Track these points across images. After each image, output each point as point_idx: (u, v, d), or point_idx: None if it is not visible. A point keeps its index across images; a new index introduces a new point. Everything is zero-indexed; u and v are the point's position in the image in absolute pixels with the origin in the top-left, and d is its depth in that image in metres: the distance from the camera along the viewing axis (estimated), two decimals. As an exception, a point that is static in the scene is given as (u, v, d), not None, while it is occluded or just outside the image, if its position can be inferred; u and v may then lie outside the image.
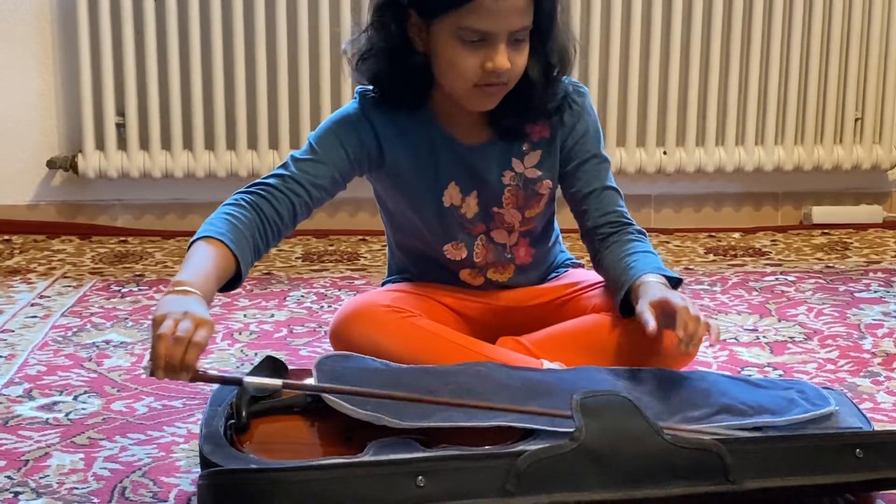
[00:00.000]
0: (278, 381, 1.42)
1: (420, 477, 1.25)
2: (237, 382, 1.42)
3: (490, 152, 1.72)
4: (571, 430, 1.33)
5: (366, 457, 1.34)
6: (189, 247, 1.55)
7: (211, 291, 1.48)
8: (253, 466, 1.28)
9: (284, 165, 1.66)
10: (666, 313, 1.56)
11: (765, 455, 1.34)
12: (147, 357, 1.33)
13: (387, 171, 1.72)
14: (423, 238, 1.78)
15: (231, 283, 1.56)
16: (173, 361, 1.34)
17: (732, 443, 1.34)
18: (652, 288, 1.60)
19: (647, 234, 1.76)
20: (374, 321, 1.66)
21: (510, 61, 1.58)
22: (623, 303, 1.66)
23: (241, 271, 1.56)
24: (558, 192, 1.81)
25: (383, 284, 1.90)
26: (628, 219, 1.76)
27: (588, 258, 1.82)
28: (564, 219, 1.87)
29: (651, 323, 1.53)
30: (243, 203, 1.60)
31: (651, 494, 1.29)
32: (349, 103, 1.73)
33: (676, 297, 1.57)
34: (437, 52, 1.60)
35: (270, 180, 1.64)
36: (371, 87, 1.69)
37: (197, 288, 1.43)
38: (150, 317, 1.39)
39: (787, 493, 1.34)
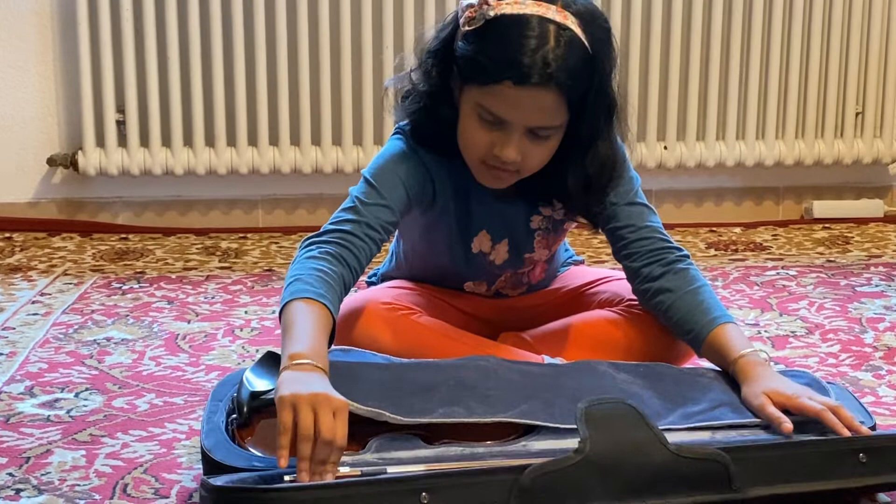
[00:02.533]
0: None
1: (424, 493, 1.24)
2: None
3: (519, 204, 1.69)
4: (573, 426, 1.33)
5: (368, 454, 1.34)
6: (283, 306, 1.47)
7: (326, 360, 1.40)
8: (254, 485, 1.27)
9: (354, 210, 1.59)
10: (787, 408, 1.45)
11: (768, 462, 1.34)
12: (279, 450, 1.27)
13: (433, 212, 1.67)
14: (443, 272, 1.77)
15: None
16: (323, 466, 1.28)
17: (736, 451, 1.34)
18: (759, 373, 1.51)
19: (686, 257, 1.69)
20: (374, 319, 1.66)
21: (522, 154, 1.52)
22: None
23: (333, 339, 1.49)
24: None
25: (377, 278, 1.89)
26: (668, 242, 1.68)
27: (584, 253, 1.82)
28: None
29: (787, 423, 1.41)
30: (329, 257, 1.53)
31: None
32: (393, 138, 1.67)
33: (793, 390, 1.47)
34: (460, 116, 1.57)
35: (347, 227, 1.57)
36: (408, 127, 1.65)
37: (314, 359, 1.36)
38: (277, 398, 1.32)
39: (791, 499, 1.34)
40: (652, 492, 1.30)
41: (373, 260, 1.61)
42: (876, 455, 1.36)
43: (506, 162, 1.53)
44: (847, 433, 1.39)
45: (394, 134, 1.68)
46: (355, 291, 1.77)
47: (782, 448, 1.36)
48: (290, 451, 1.28)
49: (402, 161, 1.62)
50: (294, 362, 1.35)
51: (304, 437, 1.27)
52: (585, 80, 1.51)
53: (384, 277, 1.86)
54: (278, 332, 2.08)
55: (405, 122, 1.65)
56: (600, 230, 1.73)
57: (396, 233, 1.83)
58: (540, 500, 1.27)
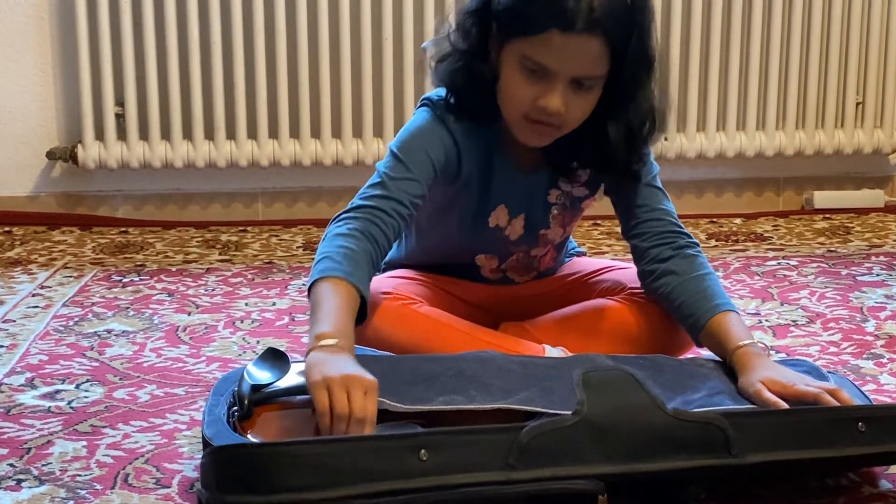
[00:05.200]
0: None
1: (423, 451, 1.24)
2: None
3: (541, 178, 1.69)
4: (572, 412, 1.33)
5: None
6: (311, 285, 1.48)
7: (352, 339, 1.43)
8: (256, 442, 1.28)
9: (381, 185, 1.58)
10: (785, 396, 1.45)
11: (767, 429, 1.33)
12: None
13: (456, 184, 1.66)
14: (453, 245, 1.76)
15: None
16: None
17: (735, 417, 1.34)
18: (756, 363, 1.51)
19: (696, 244, 1.70)
20: (375, 309, 1.65)
21: (566, 105, 1.52)
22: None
23: (364, 316, 1.51)
24: None
25: (384, 264, 1.89)
26: (679, 227, 1.70)
27: (584, 244, 1.81)
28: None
29: (783, 405, 1.42)
30: (356, 234, 1.53)
31: (653, 468, 1.29)
32: (419, 110, 1.66)
33: (789, 378, 1.47)
34: (501, 73, 1.57)
35: (375, 202, 1.56)
36: (435, 97, 1.65)
37: (340, 339, 1.38)
38: (308, 379, 1.35)
39: (789, 466, 1.34)
40: (650, 455, 1.29)
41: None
42: (875, 424, 1.36)
43: (550, 113, 1.53)
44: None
45: (420, 105, 1.67)
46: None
47: (781, 415, 1.37)
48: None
49: (428, 133, 1.62)
50: (320, 343, 1.38)
51: (339, 417, 1.29)
52: (627, 28, 1.52)
53: (389, 263, 1.85)
54: (279, 323, 2.10)
55: (440, 86, 1.64)
56: (613, 207, 1.72)
57: None
58: (538, 459, 1.26)
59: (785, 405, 1.40)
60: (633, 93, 1.56)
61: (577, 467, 1.27)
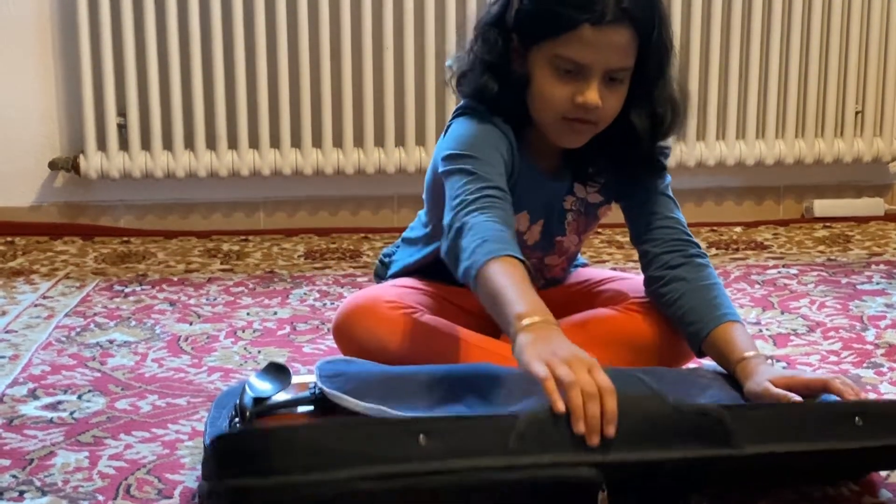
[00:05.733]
0: None
1: (422, 435, 1.24)
2: None
3: (561, 183, 1.71)
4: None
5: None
6: (480, 268, 1.41)
7: (550, 314, 1.37)
8: (255, 428, 1.28)
9: (477, 177, 1.53)
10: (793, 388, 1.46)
11: (765, 421, 1.33)
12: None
13: (508, 183, 1.61)
14: None
15: None
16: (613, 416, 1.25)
17: (734, 409, 1.34)
18: (762, 370, 1.52)
19: (705, 256, 1.71)
20: (377, 317, 1.66)
21: (602, 99, 1.55)
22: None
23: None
24: None
25: (383, 275, 1.89)
26: (690, 237, 1.71)
27: (585, 253, 1.82)
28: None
29: (794, 397, 1.42)
30: (496, 219, 1.48)
31: (652, 457, 1.28)
32: (461, 120, 1.64)
33: (793, 372, 1.50)
34: (531, 80, 1.58)
35: (487, 192, 1.51)
36: (471, 105, 1.64)
37: (542, 315, 1.34)
38: (530, 367, 1.29)
39: (787, 461, 1.34)
40: (649, 443, 1.28)
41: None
42: (873, 419, 1.36)
43: (589, 109, 1.55)
44: (854, 399, 1.39)
45: (457, 115, 1.66)
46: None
47: (780, 408, 1.37)
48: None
49: (488, 132, 1.60)
50: (523, 323, 1.33)
51: (590, 395, 1.23)
52: (651, 16, 1.56)
53: (400, 270, 1.85)
54: (280, 332, 2.10)
55: (468, 99, 1.64)
56: (623, 214, 1.73)
57: (421, 213, 1.83)
58: (537, 445, 1.25)
59: (796, 397, 1.40)
60: (656, 80, 1.59)
61: (576, 454, 1.25)
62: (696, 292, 1.64)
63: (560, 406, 1.23)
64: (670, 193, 1.73)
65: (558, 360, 1.26)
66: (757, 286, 2.43)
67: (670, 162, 2.95)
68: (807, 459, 1.36)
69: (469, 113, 1.65)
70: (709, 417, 1.31)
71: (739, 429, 1.31)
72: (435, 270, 1.79)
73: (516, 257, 1.42)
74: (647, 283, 1.71)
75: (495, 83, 1.60)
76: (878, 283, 2.44)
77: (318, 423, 1.29)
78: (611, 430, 1.23)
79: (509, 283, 1.38)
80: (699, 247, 1.71)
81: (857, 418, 1.35)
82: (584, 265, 1.95)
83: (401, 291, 1.74)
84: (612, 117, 1.59)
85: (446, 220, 1.52)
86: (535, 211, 1.71)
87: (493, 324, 1.77)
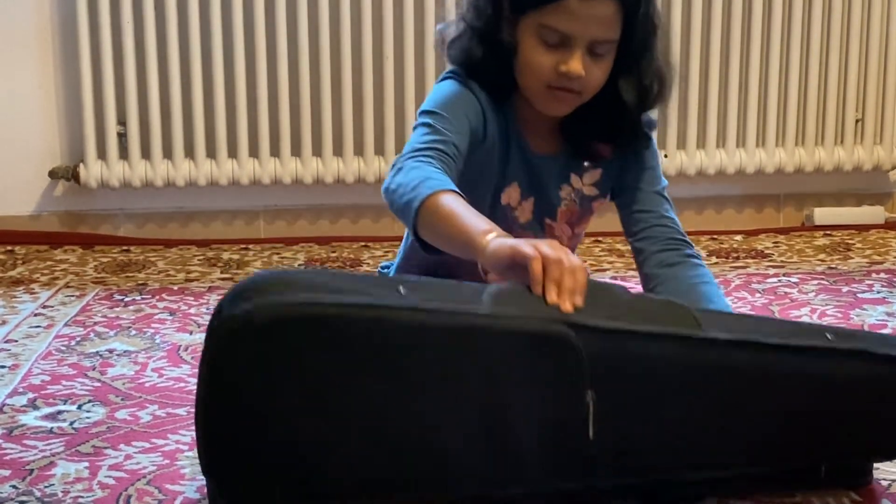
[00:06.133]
0: None
1: (401, 286, 1.29)
2: None
3: (553, 164, 1.73)
4: None
5: None
6: (423, 200, 1.44)
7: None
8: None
9: (434, 130, 1.59)
10: None
11: (736, 322, 1.37)
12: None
13: (483, 147, 1.67)
14: None
15: None
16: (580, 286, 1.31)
17: (702, 311, 1.40)
18: None
19: (701, 257, 1.73)
20: None
21: (585, 69, 1.58)
22: None
23: None
24: None
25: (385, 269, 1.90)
26: (685, 237, 1.72)
27: (586, 262, 1.82)
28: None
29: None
30: (433, 163, 1.53)
31: (623, 327, 1.31)
32: (444, 81, 1.69)
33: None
34: (518, 48, 1.62)
35: (437, 146, 1.56)
36: (458, 69, 1.69)
37: (502, 233, 1.38)
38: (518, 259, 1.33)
39: (756, 356, 1.36)
40: (620, 318, 1.31)
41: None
42: (843, 336, 1.40)
43: (572, 78, 1.58)
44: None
45: (444, 77, 1.70)
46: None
47: (753, 317, 1.46)
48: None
49: (461, 96, 1.65)
50: (491, 235, 1.37)
51: (555, 260, 1.30)
52: None
53: (403, 262, 1.86)
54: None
55: (456, 64, 1.68)
56: (618, 213, 1.75)
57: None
58: (514, 307, 1.28)
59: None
60: (642, 53, 1.63)
61: (551, 313, 1.28)
62: (690, 292, 1.65)
63: (539, 290, 1.29)
64: (667, 195, 1.75)
65: (541, 244, 1.32)
66: (758, 295, 2.42)
67: (670, 170, 2.99)
68: (785, 375, 1.37)
69: (452, 77, 1.69)
70: (676, 305, 1.37)
71: (707, 319, 1.36)
72: (439, 261, 1.80)
73: (461, 195, 1.45)
74: (642, 280, 1.73)
75: (482, 49, 1.64)
76: (878, 292, 2.44)
77: (312, 269, 1.36)
78: (579, 300, 1.29)
79: (463, 210, 1.42)
80: (693, 247, 1.72)
81: (828, 334, 1.40)
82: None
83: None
84: (597, 88, 1.62)
85: (393, 162, 1.57)
86: (525, 186, 1.72)
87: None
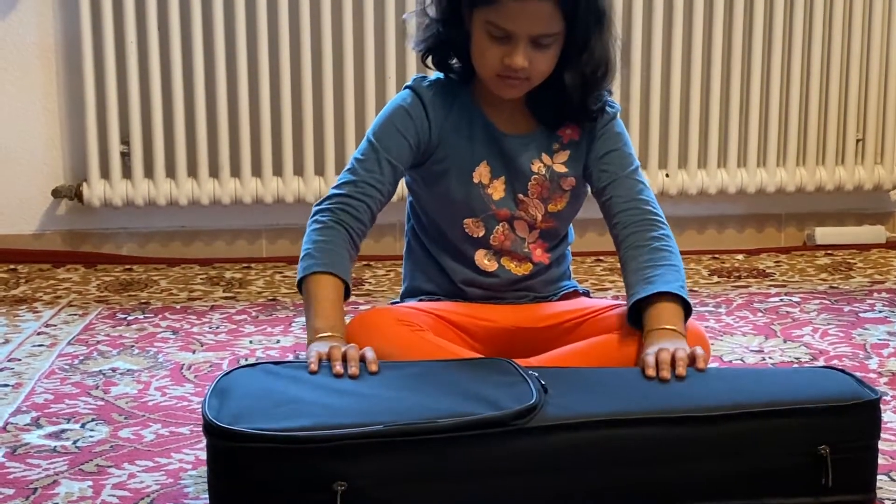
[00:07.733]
0: None
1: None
2: None
3: (524, 143, 1.82)
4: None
5: None
6: (300, 283, 1.71)
7: (343, 329, 1.66)
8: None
9: (351, 170, 1.78)
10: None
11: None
12: None
13: (434, 150, 1.81)
14: (445, 214, 1.84)
15: None
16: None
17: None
18: (660, 340, 1.64)
19: (670, 230, 1.79)
20: (380, 331, 1.69)
21: (529, 61, 1.70)
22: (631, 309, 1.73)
23: (349, 292, 1.73)
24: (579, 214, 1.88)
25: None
26: (654, 210, 1.80)
27: (586, 281, 1.82)
28: (576, 244, 1.88)
29: (650, 370, 1.57)
30: (330, 224, 1.74)
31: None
32: (398, 95, 1.83)
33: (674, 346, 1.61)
34: (472, 38, 1.74)
35: (344, 190, 1.77)
36: (422, 78, 1.83)
37: (333, 331, 1.63)
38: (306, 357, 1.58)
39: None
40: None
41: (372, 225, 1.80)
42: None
43: (515, 69, 1.70)
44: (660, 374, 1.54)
45: (402, 90, 1.84)
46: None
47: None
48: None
49: (396, 111, 1.80)
50: (318, 336, 1.62)
51: (335, 356, 1.54)
52: None
53: (408, 291, 1.93)
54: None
55: (418, 49, 1.81)
56: (595, 199, 1.83)
57: (409, 222, 1.92)
58: None
59: (652, 368, 1.56)
60: (585, 44, 1.73)
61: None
62: (638, 272, 1.74)
63: (314, 367, 1.53)
64: (639, 177, 1.83)
65: (330, 349, 1.56)
66: (759, 314, 2.43)
67: (672, 190, 3.00)
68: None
69: (409, 87, 1.82)
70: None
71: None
72: (443, 251, 1.86)
73: (326, 272, 1.69)
74: (622, 262, 1.80)
75: (440, 39, 1.78)
76: (880, 312, 2.44)
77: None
78: (373, 367, 1.54)
79: (315, 299, 1.68)
80: (663, 225, 1.79)
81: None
82: (587, 294, 1.95)
83: (407, 311, 1.78)
84: (545, 74, 1.74)
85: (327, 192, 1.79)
86: (494, 164, 1.81)
87: (498, 351, 1.79)
